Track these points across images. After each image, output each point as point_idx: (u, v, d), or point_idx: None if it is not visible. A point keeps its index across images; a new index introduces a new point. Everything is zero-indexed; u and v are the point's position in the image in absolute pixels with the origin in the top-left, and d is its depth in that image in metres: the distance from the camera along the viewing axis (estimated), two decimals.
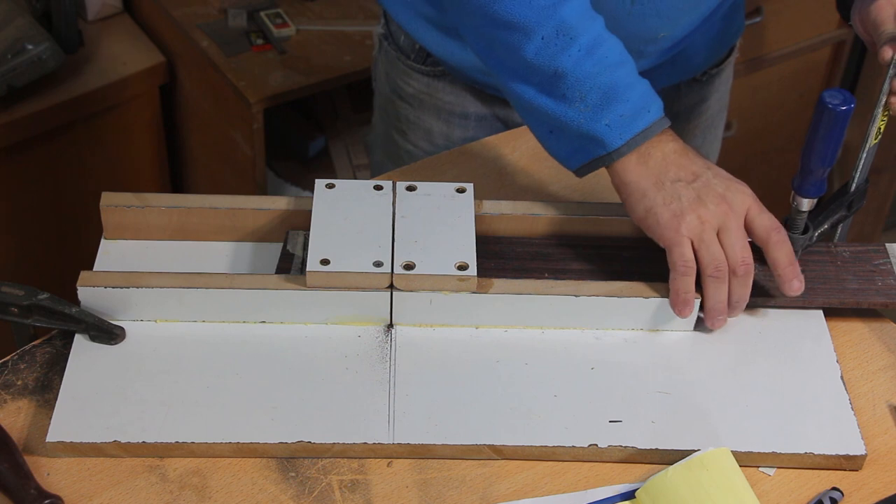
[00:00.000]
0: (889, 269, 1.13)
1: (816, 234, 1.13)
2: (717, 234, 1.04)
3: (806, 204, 1.09)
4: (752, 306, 1.11)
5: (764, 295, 1.11)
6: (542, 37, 1.06)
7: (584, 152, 1.08)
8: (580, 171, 1.10)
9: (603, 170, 1.09)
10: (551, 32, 1.05)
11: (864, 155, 1.10)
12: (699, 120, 1.50)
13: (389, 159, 1.52)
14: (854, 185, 1.13)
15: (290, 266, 1.09)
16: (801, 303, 1.11)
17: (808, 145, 1.05)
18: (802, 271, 1.13)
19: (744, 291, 1.06)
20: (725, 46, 1.46)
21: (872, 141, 1.09)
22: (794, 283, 1.06)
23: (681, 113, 1.46)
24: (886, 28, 1.09)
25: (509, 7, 1.06)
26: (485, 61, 1.14)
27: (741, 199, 1.05)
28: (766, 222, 1.05)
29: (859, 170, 1.11)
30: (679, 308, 1.06)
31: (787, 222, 1.10)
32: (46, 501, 0.92)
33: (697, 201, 1.04)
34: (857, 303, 1.11)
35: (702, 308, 1.07)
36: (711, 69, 1.46)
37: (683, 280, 1.05)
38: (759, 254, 1.14)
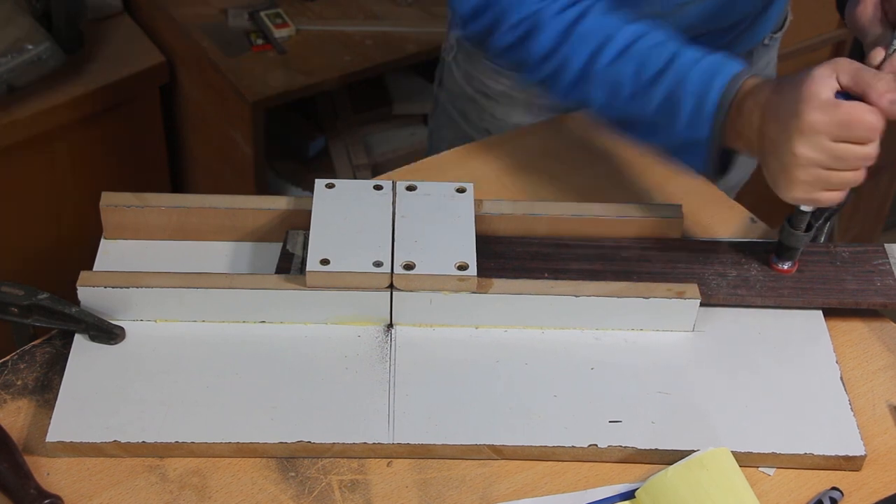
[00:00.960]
0: (888, 270, 1.13)
1: (817, 232, 1.13)
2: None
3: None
4: (752, 306, 1.11)
5: (764, 296, 1.11)
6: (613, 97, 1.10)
7: (700, 154, 1.08)
8: (712, 171, 1.09)
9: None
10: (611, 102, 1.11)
11: None
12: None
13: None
14: None
15: (290, 266, 1.09)
16: (800, 303, 1.11)
17: None
18: (802, 272, 1.13)
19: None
20: (783, 13, 1.47)
21: None
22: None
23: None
24: (871, 31, 1.09)
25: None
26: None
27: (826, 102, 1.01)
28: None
29: None
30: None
31: (790, 221, 1.10)
32: (46, 501, 0.92)
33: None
34: (856, 303, 1.11)
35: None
36: (775, 33, 1.47)
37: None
38: (758, 254, 1.14)
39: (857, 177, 1.01)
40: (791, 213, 1.10)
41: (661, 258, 1.14)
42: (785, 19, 1.51)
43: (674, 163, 1.13)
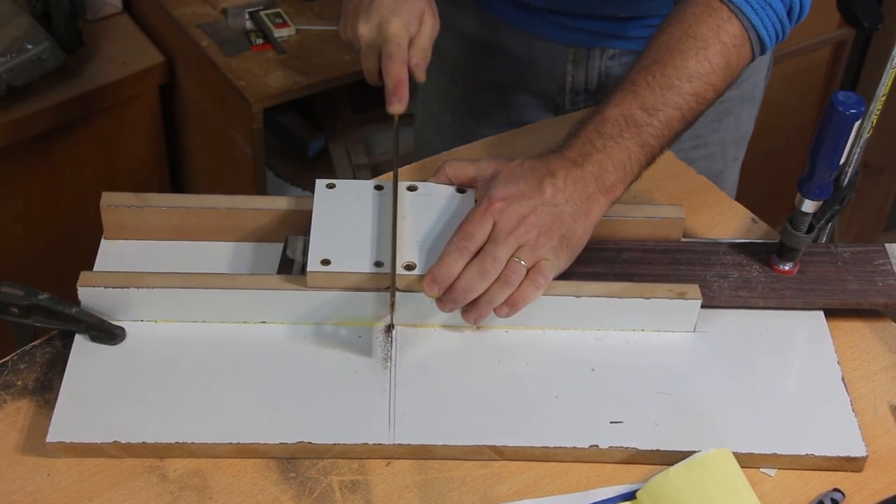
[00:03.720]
0: (889, 270, 1.13)
1: (819, 232, 1.13)
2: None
3: (811, 206, 1.09)
4: (754, 307, 1.11)
5: (766, 297, 1.11)
6: None
7: None
8: None
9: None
10: None
11: (858, 149, 1.10)
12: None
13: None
14: (847, 180, 1.12)
15: (290, 272, 1.09)
16: (802, 304, 1.11)
17: (816, 147, 1.05)
18: (803, 272, 1.13)
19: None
20: None
21: (865, 135, 1.09)
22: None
23: None
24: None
25: None
26: None
27: None
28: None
29: (852, 164, 1.11)
30: None
31: (791, 222, 1.10)
32: None
33: None
34: (857, 303, 1.11)
35: None
36: None
37: None
38: (759, 255, 1.14)
39: None
40: (792, 214, 1.10)
41: (663, 260, 1.14)
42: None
43: None
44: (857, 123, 1.02)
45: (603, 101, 1.11)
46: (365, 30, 1.19)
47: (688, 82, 1.09)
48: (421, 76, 1.18)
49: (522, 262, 1.02)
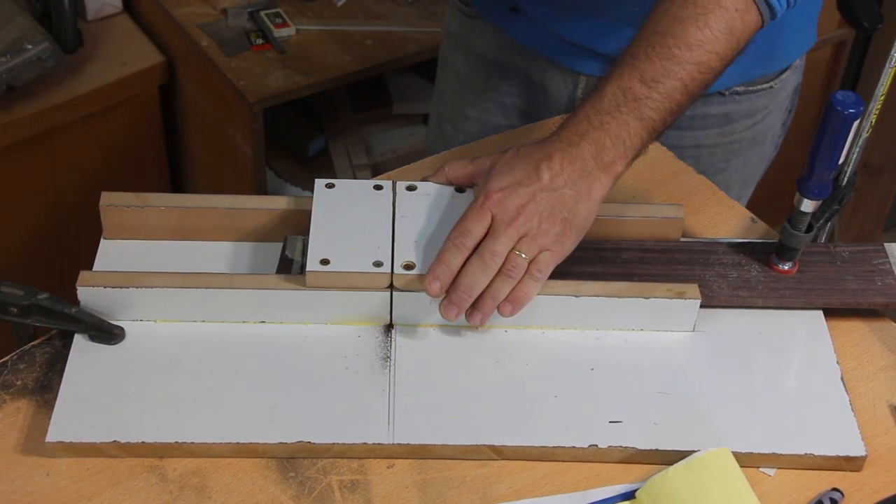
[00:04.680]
0: (888, 269, 1.13)
1: (818, 231, 1.13)
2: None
3: (810, 205, 1.09)
4: (753, 307, 1.11)
5: (765, 297, 1.11)
6: None
7: None
8: None
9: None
10: None
11: (857, 149, 1.10)
12: (724, 137, 1.43)
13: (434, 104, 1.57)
14: (846, 179, 1.12)
15: (290, 271, 1.09)
16: (801, 303, 1.11)
17: (815, 147, 1.04)
18: (802, 272, 1.13)
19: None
20: (758, 68, 1.38)
21: (864, 134, 1.09)
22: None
23: (695, 119, 1.39)
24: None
25: None
26: None
27: None
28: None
29: (851, 163, 1.11)
30: None
31: (791, 221, 1.10)
32: None
33: None
34: (857, 303, 1.11)
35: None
36: (738, 87, 1.38)
37: None
38: (759, 255, 1.14)
39: None
40: (791, 214, 1.10)
41: (662, 260, 1.14)
42: (783, 70, 1.40)
43: None
44: (856, 123, 1.02)
45: (602, 77, 1.08)
46: None
47: (688, 51, 1.05)
48: None
49: (523, 255, 1.02)
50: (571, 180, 1.03)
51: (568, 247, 1.04)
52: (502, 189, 1.03)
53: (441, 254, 1.02)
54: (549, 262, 1.03)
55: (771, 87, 1.41)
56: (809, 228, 1.10)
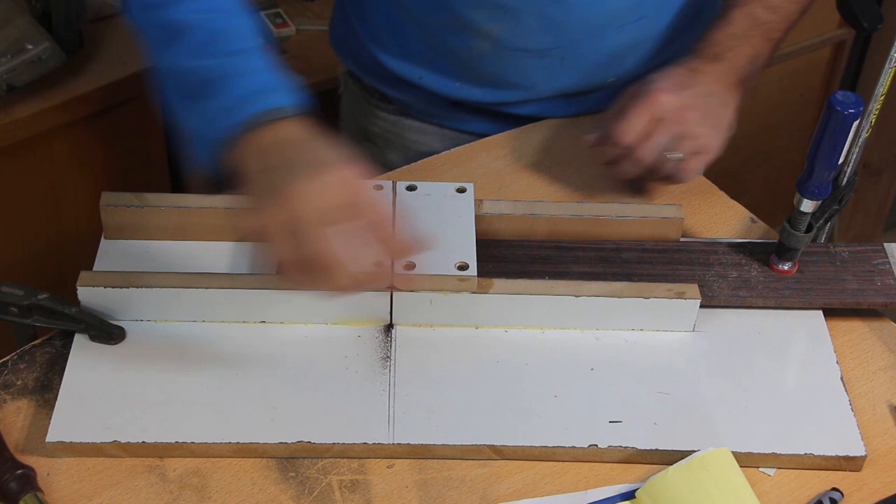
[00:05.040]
0: (888, 269, 1.13)
1: (818, 231, 1.13)
2: None
3: (810, 206, 1.09)
4: (753, 307, 1.11)
5: (765, 297, 1.11)
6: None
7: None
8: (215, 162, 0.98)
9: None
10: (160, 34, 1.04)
11: (857, 149, 1.10)
12: None
13: None
14: (845, 179, 1.12)
15: None
16: (801, 303, 1.11)
17: (814, 147, 1.04)
18: (802, 272, 1.13)
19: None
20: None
21: (864, 135, 1.09)
22: None
23: None
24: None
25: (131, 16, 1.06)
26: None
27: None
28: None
29: (851, 163, 1.11)
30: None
31: (790, 221, 1.10)
32: (19, 471, 0.92)
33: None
34: (856, 303, 1.11)
35: None
36: None
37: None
38: (758, 255, 1.14)
39: None
40: (791, 214, 1.10)
41: (662, 260, 1.14)
42: None
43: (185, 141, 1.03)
44: (856, 123, 1.02)
45: (727, 2, 1.22)
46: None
47: None
48: None
49: (679, 155, 1.15)
50: (718, 91, 1.17)
51: (717, 152, 1.16)
52: (663, 90, 1.13)
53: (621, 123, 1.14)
54: (702, 164, 1.16)
55: None
56: (809, 228, 1.10)
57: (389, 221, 0.94)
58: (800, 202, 1.09)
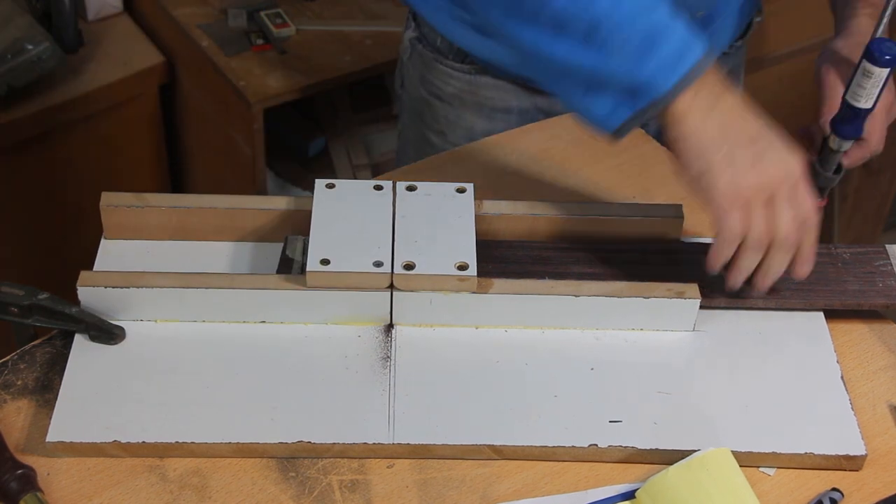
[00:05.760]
0: (889, 270, 1.13)
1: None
2: (768, 203, 1.01)
3: (845, 145, 1.12)
4: (752, 307, 1.11)
5: (765, 297, 1.11)
6: None
7: (629, 104, 1.01)
8: (623, 129, 1.03)
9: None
10: None
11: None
12: None
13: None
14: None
15: (290, 271, 1.09)
16: (802, 305, 1.11)
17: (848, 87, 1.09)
18: None
19: (778, 265, 1.04)
20: (748, 18, 1.46)
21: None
22: (805, 268, 1.05)
23: None
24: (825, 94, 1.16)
25: None
26: (511, 26, 1.06)
27: (795, 170, 1.02)
28: (808, 202, 1.03)
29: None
30: (711, 265, 1.05)
31: (821, 161, 1.12)
32: (19, 471, 0.92)
33: (753, 169, 1.00)
34: (857, 304, 1.11)
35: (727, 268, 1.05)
36: (737, 41, 1.46)
37: (725, 247, 1.02)
38: None
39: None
40: (821, 154, 1.12)
41: (662, 261, 1.14)
42: (750, 24, 1.49)
43: (574, 103, 1.05)
44: (888, 71, 1.06)
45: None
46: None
47: None
48: None
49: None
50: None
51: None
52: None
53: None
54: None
55: (741, 44, 1.48)
56: (838, 169, 1.13)
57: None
58: (833, 141, 1.12)
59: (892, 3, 1.09)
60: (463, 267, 1.05)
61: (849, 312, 1.12)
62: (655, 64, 0.99)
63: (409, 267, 1.04)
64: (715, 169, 1.00)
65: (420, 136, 1.50)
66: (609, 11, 1.00)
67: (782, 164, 1.01)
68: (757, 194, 1.00)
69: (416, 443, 0.98)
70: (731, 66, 1.47)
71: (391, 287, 1.05)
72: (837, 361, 1.07)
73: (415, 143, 1.52)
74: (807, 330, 1.10)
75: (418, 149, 1.51)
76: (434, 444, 0.98)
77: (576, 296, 1.06)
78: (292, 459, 0.98)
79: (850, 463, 1.00)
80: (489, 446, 0.99)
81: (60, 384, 1.01)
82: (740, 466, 0.97)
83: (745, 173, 1.00)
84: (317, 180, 1.13)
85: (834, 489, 0.98)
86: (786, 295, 1.11)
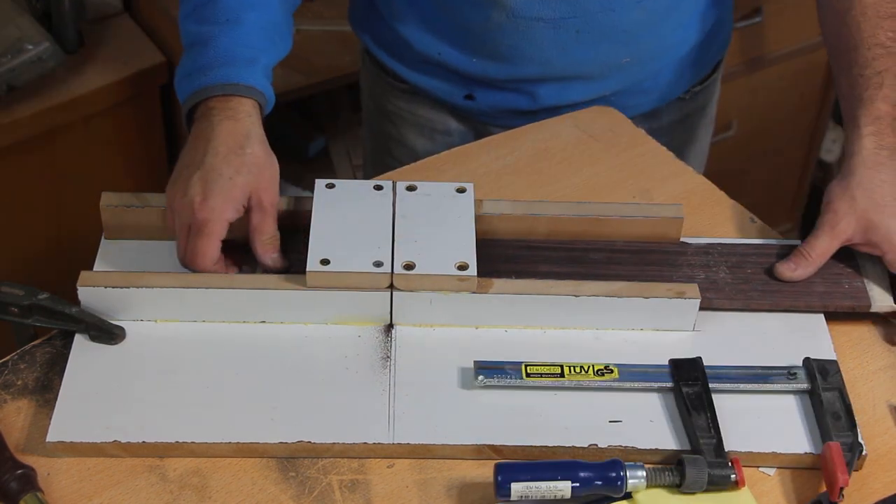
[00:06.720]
0: (855, 272, 1.13)
1: None
2: None
3: None
4: (751, 309, 1.11)
5: (758, 299, 1.11)
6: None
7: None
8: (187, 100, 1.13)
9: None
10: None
11: None
12: (685, 134, 1.50)
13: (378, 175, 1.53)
14: None
15: (290, 272, 1.09)
16: (767, 306, 1.10)
17: None
18: (770, 273, 1.13)
19: None
20: (708, 66, 1.45)
21: None
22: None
23: (662, 128, 1.45)
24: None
25: None
26: None
27: None
28: None
29: None
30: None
31: None
32: (19, 471, 0.92)
33: None
34: (823, 306, 1.11)
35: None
36: (695, 87, 1.46)
37: None
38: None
39: None
40: None
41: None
42: (717, 65, 1.48)
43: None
44: None
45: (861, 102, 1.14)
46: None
47: None
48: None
49: None
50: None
51: None
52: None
53: None
54: None
55: (700, 89, 1.47)
56: None
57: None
58: None
59: None
60: (463, 267, 1.05)
61: (849, 312, 1.12)
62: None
63: (409, 267, 1.04)
64: None
65: (375, 148, 1.53)
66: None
67: None
68: None
69: (416, 443, 0.98)
70: (689, 111, 1.47)
71: (391, 287, 1.05)
72: (837, 361, 1.07)
73: (372, 156, 1.56)
74: (807, 330, 1.10)
75: (374, 163, 1.55)
76: (434, 444, 0.98)
77: (576, 296, 1.06)
78: (292, 459, 0.98)
79: None
80: (489, 446, 0.99)
81: (60, 384, 1.01)
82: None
83: None
84: (317, 180, 1.13)
85: None
86: (753, 296, 1.11)
